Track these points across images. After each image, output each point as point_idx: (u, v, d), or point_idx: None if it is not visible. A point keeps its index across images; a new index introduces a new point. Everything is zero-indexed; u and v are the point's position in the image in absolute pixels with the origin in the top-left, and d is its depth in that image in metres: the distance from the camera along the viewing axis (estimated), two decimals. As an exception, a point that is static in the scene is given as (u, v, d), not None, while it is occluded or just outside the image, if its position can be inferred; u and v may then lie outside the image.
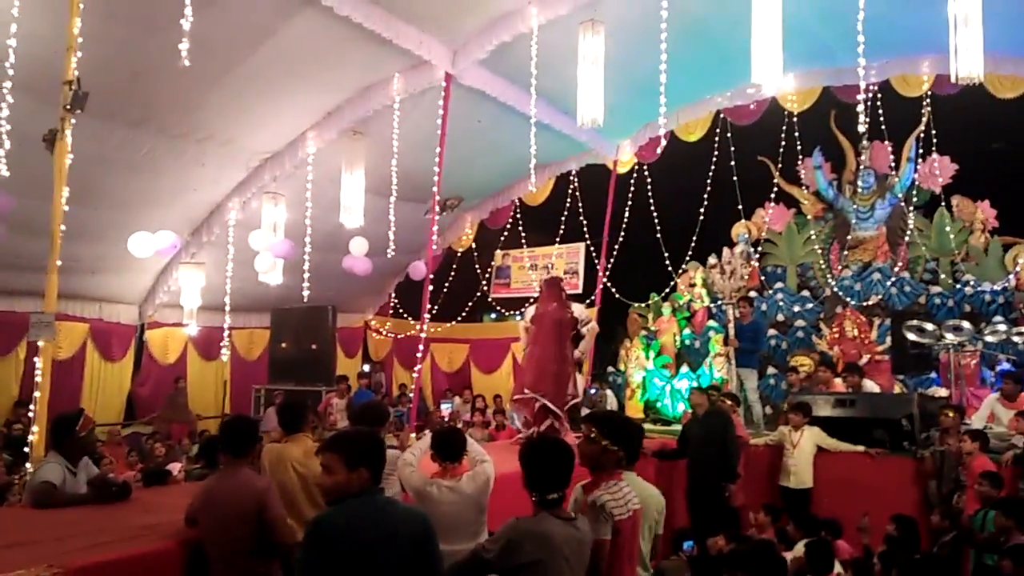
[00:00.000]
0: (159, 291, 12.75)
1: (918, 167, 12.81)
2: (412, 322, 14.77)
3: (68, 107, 5.91)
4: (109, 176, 9.81)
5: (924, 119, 12.20)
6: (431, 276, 11.10)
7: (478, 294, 16.04)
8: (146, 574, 3.48)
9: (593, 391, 12.68)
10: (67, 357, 11.70)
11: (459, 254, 15.87)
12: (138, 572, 3.44)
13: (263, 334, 13.96)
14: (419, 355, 10.35)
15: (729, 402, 8.37)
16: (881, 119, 11.79)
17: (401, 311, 16.20)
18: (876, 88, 11.30)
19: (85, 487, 4.61)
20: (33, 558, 3.26)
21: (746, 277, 11.06)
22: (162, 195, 10.85)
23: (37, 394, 5.92)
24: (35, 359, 5.97)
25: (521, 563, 2.95)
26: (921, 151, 12.73)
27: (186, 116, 9.73)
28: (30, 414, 5.91)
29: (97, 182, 9.59)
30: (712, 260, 12.02)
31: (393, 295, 16.40)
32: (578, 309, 7.90)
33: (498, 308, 16.46)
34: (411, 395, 12.31)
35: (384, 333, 16.59)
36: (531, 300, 8.23)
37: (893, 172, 13.05)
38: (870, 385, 9.91)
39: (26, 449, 5.89)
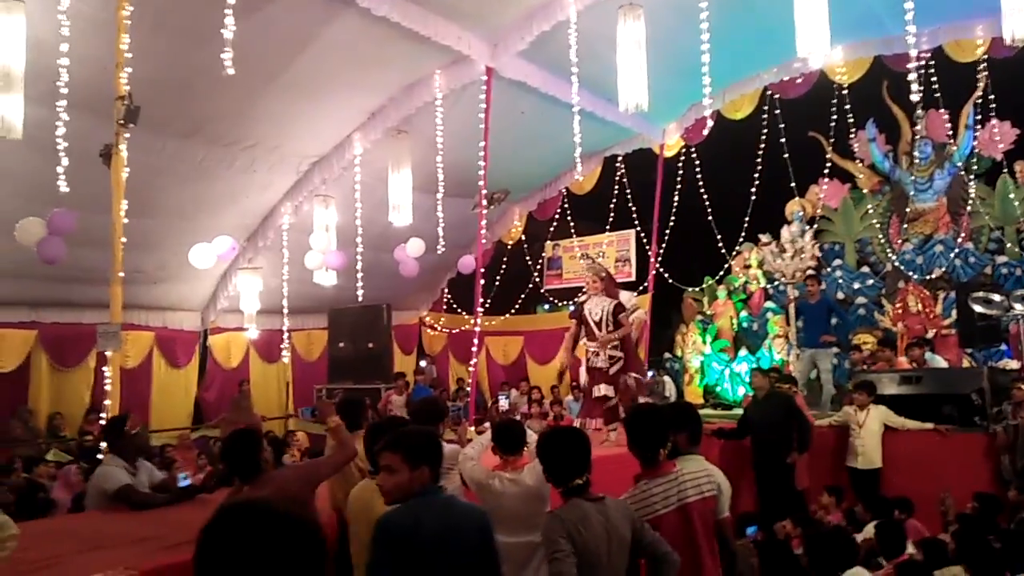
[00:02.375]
0: (220, 297, 13.05)
1: (977, 134, 12.38)
2: (466, 316, 14.84)
3: (121, 122, 6.09)
4: (165, 187, 10.07)
5: (981, 84, 11.78)
6: (483, 270, 11.13)
7: (530, 286, 16.04)
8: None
9: (651, 374, 12.61)
10: (135, 365, 12.04)
11: (509, 247, 15.87)
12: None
13: (321, 335, 14.16)
14: (474, 349, 10.41)
15: (787, 385, 8.22)
16: (935, 87, 11.43)
17: (455, 306, 16.29)
18: (928, 55, 10.95)
19: (146, 489, 4.75)
20: (111, 562, 3.37)
21: (816, 256, 10.78)
22: (217, 203, 11.10)
23: (107, 402, 6.12)
24: (103, 368, 6.15)
25: (578, 545, 2.94)
26: (979, 117, 12.31)
27: (235, 125, 9.93)
28: (101, 422, 6.10)
29: (154, 193, 9.85)
30: (764, 239, 11.77)
31: (446, 291, 16.50)
32: (624, 297, 7.81)
33: (551, 299, 16.44)
34: (468, 389, 12.39)
35: (439, 329, 16.71)
36: (583, 290, 8.14)
37: (951, 140, 12.63)
38: (936, 359, 9.66)
39: (99, 456, 6.09)
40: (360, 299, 11.82)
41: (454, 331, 16.39)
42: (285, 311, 12.29)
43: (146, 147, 8.77)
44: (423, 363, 15.72)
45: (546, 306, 16.93)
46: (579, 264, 16.12)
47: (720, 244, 13.48)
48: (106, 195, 6.43)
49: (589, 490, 3.15)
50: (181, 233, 10.48)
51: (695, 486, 3.53)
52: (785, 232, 10.60)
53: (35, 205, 8.14)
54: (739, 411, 9.21)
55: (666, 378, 13.05)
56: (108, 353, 6.22)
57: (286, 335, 12.59)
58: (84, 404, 11.40)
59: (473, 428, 8.44)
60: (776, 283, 12.69)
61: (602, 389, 6.86)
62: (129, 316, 11.40)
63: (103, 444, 5.88)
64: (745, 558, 5.72)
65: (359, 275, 11.54)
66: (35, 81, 6.61)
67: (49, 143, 7.23)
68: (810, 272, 10.79)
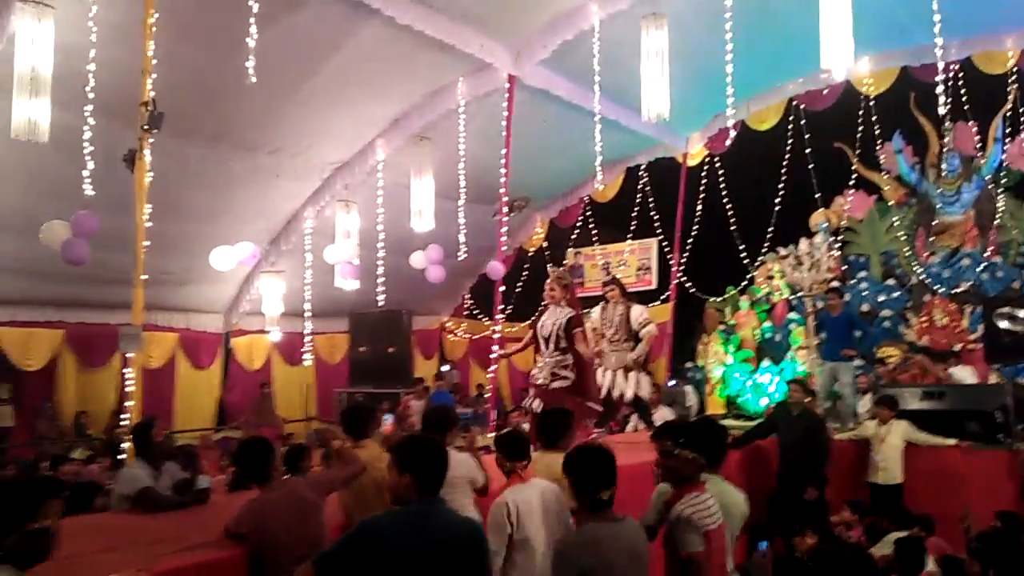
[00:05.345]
0: (242, 300, 13.19)
1: (1006, 147, 12.21)
2: (487, 323, 14.86)
3: (145, 127, 6.17)
4: (190, 191, 10.20)
5: (1011, 96, 11.62)
6: (503, 276, 11.14)
7: (551, 293, 16.00)
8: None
9: (673, 383, 12.55)
10: (158, 366, 12.20)
11: (530, 254, 15.87)
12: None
13: (343, 338, 14.25)
14: (493, 356, 10.42)
15: (808, 398, 8.13)
16: (964, 98, 11.28)
17: (476, 312, 16.32)
18: (957, 67, 10.84)
19: (169, 490, 4.81)
20: (126, 562, 3.42)
21: (834, 268, 10.62)
22: (241, 207, 11.22)
23: (129, 403, 6.20)
24: (124, 369, 6.24)
25: (589, 570, 2.94)
26: (1009, 130, 12.14)
27: (259, 131, 10.05)
28: (123, 423, 6.19)
29: (179, 197, 9.97)
30: (784, 251, 11.62)
31: (467, 296, 16.53)
32: (637, 311, 7.72)
33: (573, 307, 16.39)
34: (488, 395, 12.40)
35: (459, 334, 16.74)
36: (602, 299, 8.08)
37: (979, 153, 12.47)
38: (964, 375, 9.51)
39: (121, 456, 6.17)
40: (381, 304, 11.88)
41: (475, 337, 16.41)
42: (307, 314, 12.38)
43: (172, 152, 8.88)
44: (444, 368, 15.74)
45: (568, 314, 16.89)
46: (601, 272, 16.08)
47: (743, 254, 13.39)
48: (131, 198, 6.52)
49: (611, 509, 3.14)
50: (205, 236, 10.58)
51: (720, 507, 3.51)
52: (803, 244, 10.46)
53: (61, 207, 8.25)
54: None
55: (688, 388, 12.96)
56: (130, 355, 6.30)
57: (308, 338, 12.68)
58: (110, 404, 11.53)
59: (492, 435, 8.40)
60: (799, 294, 12.57)
61: (537, 405, 6.49)
62: (153, 318, 11.55)
63: (124, 445, 5.98)
64: (760, 572, 5.68)
65: (380, 279, 11.60)
66: (63, 86, 6.73)
67: (76, 146, 7.36)
68: (832, 285, 10.65)
